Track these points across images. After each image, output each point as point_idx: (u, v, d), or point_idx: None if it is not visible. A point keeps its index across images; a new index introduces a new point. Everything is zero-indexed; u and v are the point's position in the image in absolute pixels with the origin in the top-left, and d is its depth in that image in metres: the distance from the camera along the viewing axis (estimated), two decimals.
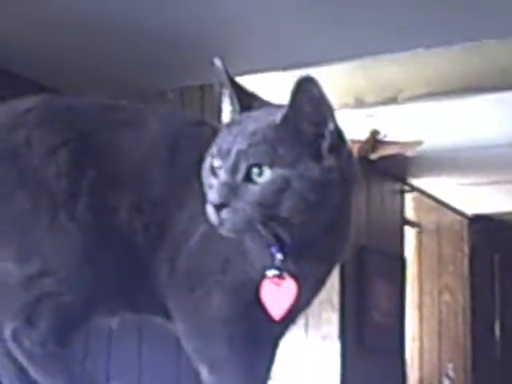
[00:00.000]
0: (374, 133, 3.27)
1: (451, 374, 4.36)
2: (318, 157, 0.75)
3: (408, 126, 3.31)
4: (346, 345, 3.62)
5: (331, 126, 0.74)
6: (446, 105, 3.05)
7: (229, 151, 0.74)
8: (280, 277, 0.77)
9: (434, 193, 4.31)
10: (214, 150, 0.76)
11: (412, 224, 4.34)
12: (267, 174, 0.74)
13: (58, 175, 0.85)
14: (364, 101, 3.08)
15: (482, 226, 4.66)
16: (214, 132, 0.84)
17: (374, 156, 3.36)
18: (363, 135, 3.26)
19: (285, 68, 2.59)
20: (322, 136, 0.75)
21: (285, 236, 0.77)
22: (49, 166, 0.85)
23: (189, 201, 0.84)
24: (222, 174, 0.74)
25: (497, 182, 4.10)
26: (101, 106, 0.92)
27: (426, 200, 4.32)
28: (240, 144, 0.74)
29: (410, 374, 4.30)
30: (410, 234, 4.35)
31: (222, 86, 0.80)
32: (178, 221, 0.85)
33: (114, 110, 0.91)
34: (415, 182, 4.18)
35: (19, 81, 2.38)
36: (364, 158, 3.28)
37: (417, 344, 4.43)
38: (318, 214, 0.77)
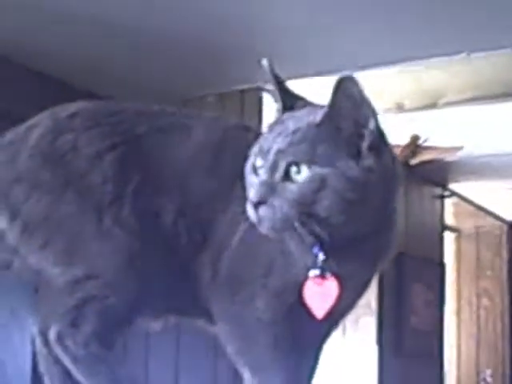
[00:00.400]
0: (415, 138, 3.24)
1: (489, 379, 4.36)
2: (357, 156, 0.75)
3: (448, 131, 3.30)
4: (384, 350, 3.62)
5: (372, 126, 0.74)
6: (486, 110, 3.03)
7: (269, 150, 0.74)
8: (322, 277, 0.78)
9: (474, 198, 4.29)
10: (256, 149, 0.77)
11: (451, 229, 4.36)
12: (305, 172, 0.74)
13: (104, 179, 0.85)
14: (405, 106, 3.07)
15: None
16: (257, 136, 0.84)
17: (414, 161, 3.35)
18: (404, 140, 3.24)
19: (330, 72, 2.56)
20: (361, 135, 0.75)
21: (325, 235, 0.76)
22: (95, 170, 0.85)
23: (231, 205, 0.84)
24: (262, 173, 0.75)
25: None
26: (147, 112, 0.92)
27: (466, 205, 4.30)
28: (280, 143, 0.74)
29: (447, 379, 4.31)
30: (448, 239, 4.35)
31: (267, 86, 0.84)
32: (221, 224, 0.85)
33: (160, 115, 0.92)
34: (455, 186, 4.15)
35: (64, 87, 2.42)
36: (404, 163, 3.29)
37: (455, 350, 4.46)
38: (358, 213, 0.76)
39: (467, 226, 4.51)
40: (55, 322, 0.85)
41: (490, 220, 4.49)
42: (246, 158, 0.82)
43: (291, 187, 0.74)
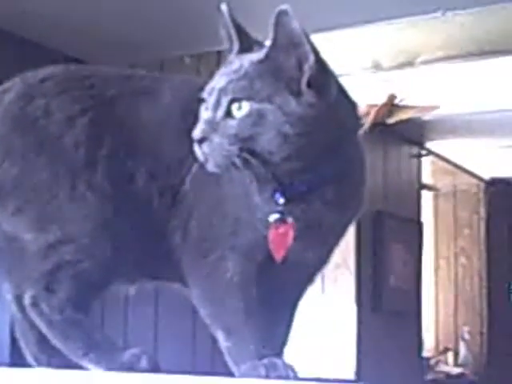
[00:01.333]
0: (391, 97, 3.22)
1: (467, 336, 4.40)
2: (297, 92, 0.75)
3: (425, 89, 3.31)
4: (363, 307, 3.65)
5: (311, 61, 0.73)
6: (462, 68, 3.03)
7: (213, 89, 0.76)
8: (282, 221, 0.78)
9: (451, 156, 4.30)
10: (205, 90, 0.79)
11: (429, 188, 4.34)
12: (245, 108, 0.75)
13: (77, 144, 0.85)
14: (381, 65, 3.06)
15: (499, 189, 4.62)
16: None
17: (390, 120, 3.34)
18: (380, 99, 3.23)
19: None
20: (300, 70, 0.74)
21: (279, 178, 0.77)
22: (67, 134, 0.85)
23: (201, 169, 0.85)
24: (207, 112, 0.76)
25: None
26: (119, 76, 0.93)
27: (443, 164, 4.30)
28: (222, 82, 0.76)
29: (425, 337, 4.31)
30: (426, 197, 4.35)
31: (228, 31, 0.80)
32: (188, 183, 0.85)
33: (132, 79, 0.92)
34: (432, 145, 4.16)
35: (38, 49, 2.35)
36: (381, 123, 3.30)
37: (433, 307, 4.47)
38: (302, 150, 0.77)
39: (445, 184, 4.49)
40: (30, 287, 0.86)
41: (467, 178, 4.50)
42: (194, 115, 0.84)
43: (231, 123, 0.75)
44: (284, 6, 0.74)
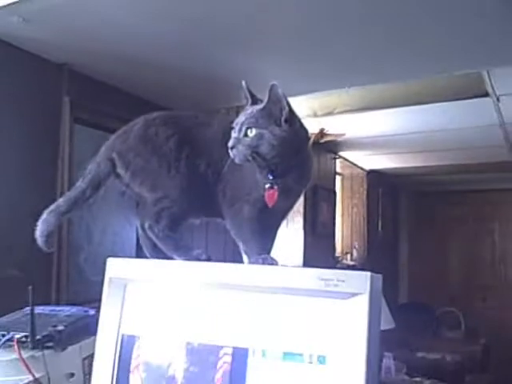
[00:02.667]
0: (322, 129, 4.16)
1: (357, 246, 5.76)
2: (279, 124, 1.03)
3: (338, 126, 4.16)
4: (306, 233, 4.72)
5: (286, 109, 1.02)
6: (357, 115, 3.83)
7: (238, 122, 1.03)
8: (271, 188, 1.07)
9: (351, 158, 5.56)
10: (234, 123, 1.05)
11: (339, 174, 5.63)
12: (253, 132, 1.03)
13: (170, 150, 1.14)
14: (316, 113, 3.83)
15: (373, 174, 5.95)
16: None
17: (321, 140, 4.27)
18: (315, 130, 4.11)
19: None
20: (281, 114, 1.02)
21: (270, 166, 1.05)
22: (166, 145, 1.15)
23: (230, 159, 1.11)
24: (234, 133, 1.03)
25: (380, 154, 5.29)
26: (190, 115, 1.21)
27: (346, 162, 5.55)
28: (243, 118, 1.04)
29: (337, 247, 5.61)
30: (338, 179, 5.62)
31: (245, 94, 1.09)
32: (225, 170, 1.13)
33: (199, 117, 1.22)
34: (342, 153, 5.36)
35: (136, 101, 2.82)
36: (316, 142, 4.18)
37: (340, 232, 5.74)
38: (282, 154, 1.04)
39: (347, 172, 5.74)
40: (148, 219, 1.14)
41: (357, 169, 5.77)
42: (227, 138, 1.11)
43: (246, 139, 1.02)
44: (274, 82, 1.01)
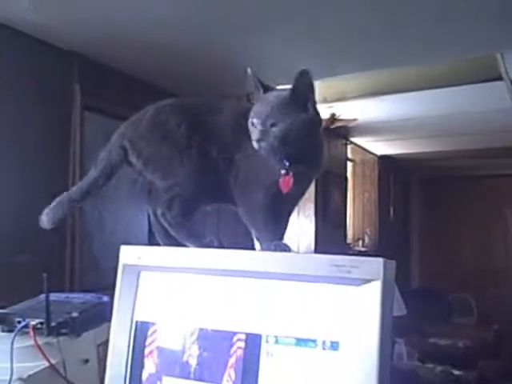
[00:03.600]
0: (333, 114, 4.20)
1: (368, 232, 5.85)
2: (306, 111, 1.03)
3: (350, 111, 4.22)
4: (318, 220, 4.79)
5: (312, 96, 1.02)
6: (370, 100, 3.91)
7: (261, 113, 1.02)
8: (287, 174, 1.06)
9: (362, 144, 5.69)
10: (252, 113, 1.04)
11: (350, 160, 5.74)
12: (282, 122, 1.03)
13: (182, 137, 1.14)
14: (327, 99, 3.91)
15: (385, 160, 6.10)
16: None
17: (332, 126, 4.32)
18: (327, 116, 4.13)
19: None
20: (308, 99, 1.03)
21: (288, 153, 1.05)
22: (177, 132, 1.14)
23: (242, 147, 1.13)
24: (259, 125, 1.01)
25: (392, 139, 5.39)
26: (202, 102, 1.22)
27: (358, 148, 5.70)
28: (267, 109, 1.02)
29: (348, 233, 5.70)
30: (349, 165, 5.73)
31: (253, 82, 1.07)
32: (238, 156, 1.14)
33: (210, 103, 1.22)
34: (353, 139, 5.46)
35: (147, 88, 2.84)
36: (327, 128, 4.20)
37: (352, 218, 5.84)
38: (305, 140, 1.05)
39: (358, 158, 5.85)
40: (160, 207, 1.14)
41: (369, 155, 5.91)
42: (239, 124, 1.12)
43: (274, 130, 1.02)
44: (304, 68, 1.01)
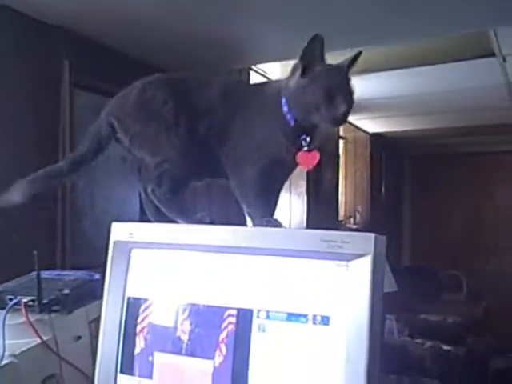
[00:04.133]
0: None
1: (360, 209, 5.89)
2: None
3: None
4: (309, 198, 4.73)
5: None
6: (361, 77, 3.49)
7: (342, 85, 1.06)
8: (309, 150, 1.09)
9: (354, 122, 5.60)
10: (330, 82, 1.07)
11: (342, 138, 5.77)
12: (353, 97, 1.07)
13: (169, 113, 1.14)
14: None
15: (377, 138, 6.01)
16: (244, 85, 1.28)
17: None
18: None
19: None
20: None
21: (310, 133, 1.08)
22: (163, 109, 1.14)
23: (233, 123, 1.13)
24: (348, 96, 1.07)
25: (384, 117, 5.34)
26: (189, 77, 1.21)
27: (350, 126, 5.61)
28: (344, 81, 1.09)
29: (340, 210, 5.67)
30: (341, 143, 5.74)
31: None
32: (229, 132, 1.14)
33: (198, 78, 1.21)
34: None
35: (136, 64, 2.76)
36: None
37: (344, 196, 5.83)
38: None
39: (350, 136, 5.85)
40: (150, 184, 1.15)
41: (361, 133, 5.88)
42: (243, 99, 1.14)
43: (353, 98, 1.08)
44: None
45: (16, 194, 1.17)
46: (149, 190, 1.17)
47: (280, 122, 1.10)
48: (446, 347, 3.67)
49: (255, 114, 1.13)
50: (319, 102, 1.04)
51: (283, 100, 1.10)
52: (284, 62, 3.23)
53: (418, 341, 3.71)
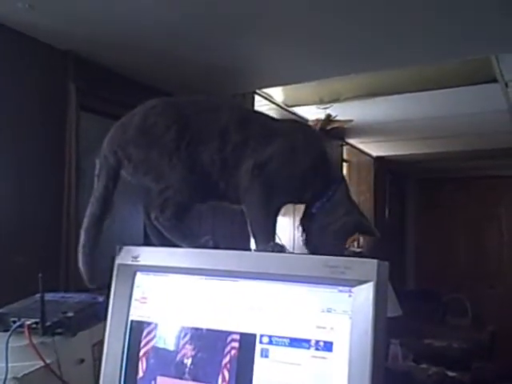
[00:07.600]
0: (328, 115, 4.17)
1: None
2: None
3: (345, 112, 4.17)
4: None
5: None
6: (366, 101, 3.87)
7: None
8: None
9: (358, 145, 5.72)
10: None
11: (346, 161, 5.79)
12: None
13: (171, 139, 1.14)
14: (323, 100, 3.94)
15: (380, 161, 6.11)
16: (248, 112, 1.26)
17: (328, 127, 4.26)
18: (322, 117, 4.15)
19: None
20: None
21: None
22: (166, 135, 1.14)
23: (237, 149, 1.15)
24: None
25: (388, 141, 5.38)
26: (194, 101, 1.21)
27: (353, 149, 5.71)
28: None
29: None
30: (345, 166, 5.79)
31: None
32: (231, 158, 1.15)
33: (202, 102, 1.21)
34: (349, 140, 5.46)
35: (142, 87, 2.80)
36: (323, 129, 4.19)
37: None
38: None
39: (354, 159, 5.89)
40: (153, 210, 1.15)
41: (364, 156, 5.93)
42: (244, 124, 1.15)
43: None
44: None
45: (96, 277, 1.17)
46: (152, 217, 1.17)
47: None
48: (451, 373, 3.65)
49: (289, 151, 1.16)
50: None
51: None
52: (287, 86, 3.40)
53: (423, 366, 3.67)
